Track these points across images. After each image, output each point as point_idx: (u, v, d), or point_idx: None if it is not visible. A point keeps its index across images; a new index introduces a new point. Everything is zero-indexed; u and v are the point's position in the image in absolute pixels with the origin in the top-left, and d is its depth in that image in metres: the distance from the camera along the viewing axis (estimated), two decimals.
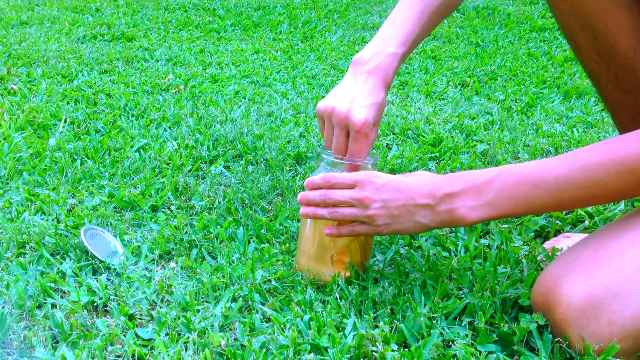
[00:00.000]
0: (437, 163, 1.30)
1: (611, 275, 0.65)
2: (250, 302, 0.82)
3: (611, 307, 0.64)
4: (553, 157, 0.71)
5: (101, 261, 0.93)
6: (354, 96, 0.82)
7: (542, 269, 0.90)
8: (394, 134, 1.48)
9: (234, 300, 0.83)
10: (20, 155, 1.32)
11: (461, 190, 0.72)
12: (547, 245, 0.96)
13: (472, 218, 0.72)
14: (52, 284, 0.87)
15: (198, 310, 0.81)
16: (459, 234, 1.00)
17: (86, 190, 1.18)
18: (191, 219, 1.07)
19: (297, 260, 0.88)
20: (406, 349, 0.72)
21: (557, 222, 1.04)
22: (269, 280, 0.86)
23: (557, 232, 1.03)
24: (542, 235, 1.03)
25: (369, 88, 0.83)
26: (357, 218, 0.76)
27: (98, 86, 1.86)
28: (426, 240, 0.99)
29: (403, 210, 0.74)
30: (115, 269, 0.91)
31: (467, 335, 0.74)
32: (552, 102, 1.69)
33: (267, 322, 0.79)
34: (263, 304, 0.82)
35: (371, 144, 0.84)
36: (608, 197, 0.68)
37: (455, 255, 0.93)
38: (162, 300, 0.84)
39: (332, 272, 0.84)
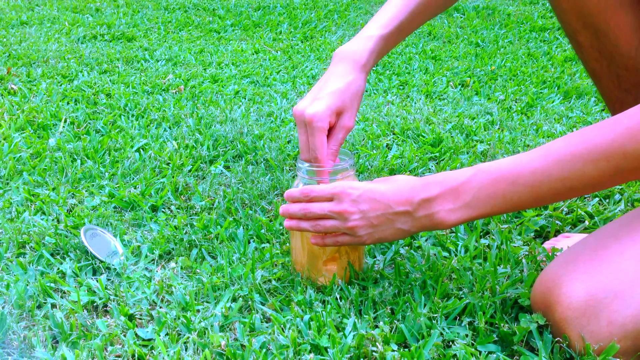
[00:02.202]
0: (437, 163, 1.30)
1: (611, 275, 0.65)
2: (250, 302, 0.82)
3: (611, 307, 0.64)
4: (529, 151, 0.70)
5: (101, 261, 0.93)
6: (318, 89, 0.82)
7: (542, 269, 0.90)
8: (394, 134, 1.48)
9: (234, 300, 0.83)
10: (20, 155, 1.32)
11: (438, 194, 0.71)
12: (547, 245, 0.96)
13: (452, 220, 0.71)
14: (52, 284, 0.87)
15: (198, 310, 0.81)
16: (459, 234, 1.00)
17: (86, 190, 1.18)
18: (191, 219, 1.07)
19: (292, 265, 0.88)
20: (406, 349, 0.72)
21: (557, 222, 1.04)
22: (269, 280, 0.86)
23: (557, 232, 1.03)
24: (542, 235, 1.03)
25: (335, 75, 0.83)
26: (339, 230, 0.76)
27: (98, 86, 1.86)
28: (426, 240, 0.99)
29: (382, 219, 0.73)
30: (115, 269, 0.91)
31: (467, 336, 0.74)
32: (552, 102, 1.69)
33: (267, 322, 0.79)
34: (263, 304, 0.82)
35: (338, 137, 0.82)
36: (587, 187, 0.67)
37: (455, 255, 0.93)
38: (162, 300, 0.84)
39: (326, 278, 0.84)
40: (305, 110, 0.80)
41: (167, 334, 0.76)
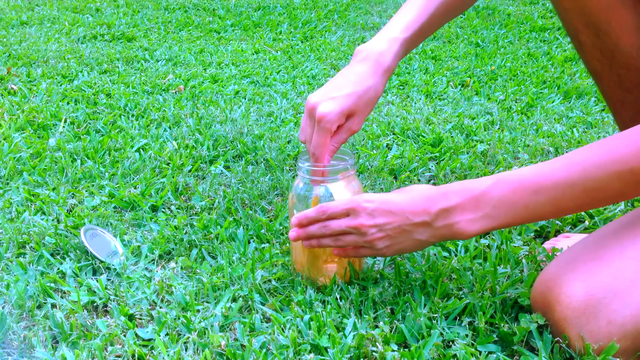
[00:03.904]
0: (437, 163, 1.30)
1: (610, 275, 0.65)
2: (250, 302, 0.82)
3: (610, 306, 0.64)
4: (549, 160, 0.69)
5: (101, 261, 0.93)
6: (333, 86, 0.82)
7: (542, 269, 0.90)
8: (394, 134, 1.48)
9: (234, 300, 0.83)
10: (20, 156, 1.32)
11: (458, 204, 0.70)
12: (547, 245, 0.96)
13: (472, 231, 0.70)
14: (52, 284, 0.87)
15: (198, 311, 0.81)
16: None
17: (86, 191, 1.18)
18: (191, 219, 1.07)
19: (292, 265, 0.88)
20: (406, 349, 0.72)
21: (557, 222, 1.04)
22: (269, 281, 0.86)
23: (557, 232, 1.03)
24: (542, 235, 1.03)
25: (357, 76, 0.82)
26: (359, 243, 0.76)
27: (98, 86, 1.86)
28: None
29: (400, 231, 0.72)
30: (115, 269, 0.91)
31: (467, 336, 0.74)
32: (552, 102, 1.69)
33: (267, 322, 0.79)
34: (263, 304, 0.82)
35: (341, 137, 0.82)
36: (609, 198, 0.66)
37: (455, 256, 0.93)
38: (162, 301, 0.84)
39: (326, 278, 0.84)
40: (318, 106, 0.79)
41: (167, 334, 0.76)
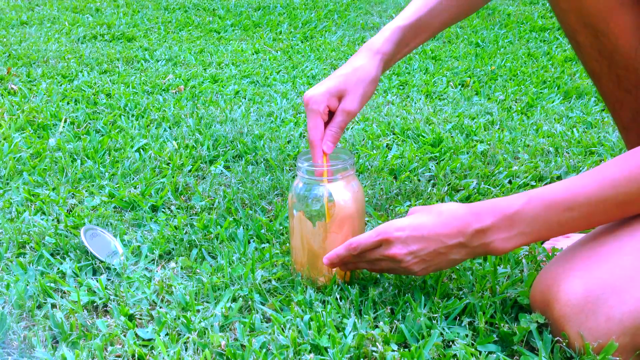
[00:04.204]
0: (437, 163, 1.30)
1: (609, 272, 0.65)
2: (250, 302, 0.82)
3: (608, 303, 0.64)
4: (579, 175, 0.69)
5: (101, 261, 0.93)
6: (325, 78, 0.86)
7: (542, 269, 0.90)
8: (394, 134, 1.48)
9: (234, 300, 0.83)
10: (20, 156, 1.32)
11: (492, 224, 0.70)
12: (547, 245, 0.96)
13: (507, 248, 0.71)
14: (52, 284, 0.87)
15: (198, 311, 0.81)
16: None
17: (86, 191, 1.18)
18: (191, 219, 1.07)
19: (292, 265, 0.88)
20: (406, 349, 0.72)
21: None
22: (269, 281, 0.86)
23: None
24: None
25: (347, 63, 0.86)
26: (395, 270, 0.77)
27: (98, 86, 1.86)
28: None
29: (435, 255, 0.73)
30: (115, 269, 0.91)
31: (467, 336, 0.74)
32: (552, 102, 1.69)
33: (267, 322, 0.79)
34: (263, 304, 0.82)
35: (338, 120, 0.84)
36: None
37: None
38: (162, 301, 0.84)
39: (326, 278, 0.84)
40: (306, 93, 0.83)
41: (167, 334, 0.76)
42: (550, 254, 0.90)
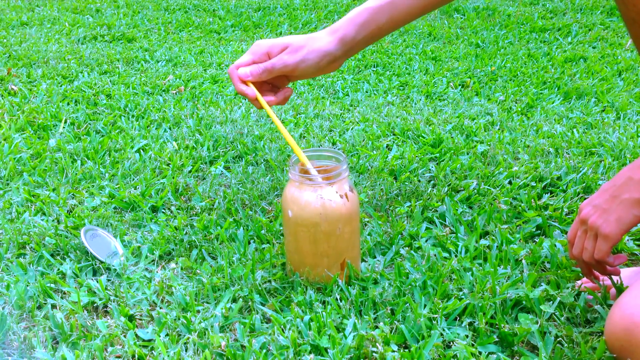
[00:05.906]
0: (437, 164, 1.30)
1: None
2: (250, 303, 0.82)
3: None
4: None
5: (101, 262, 0.93)
6: None
7: (545, 270, 0.90)
8: (394, 134, 1.48)
9: (234, 300, 0.83)
10: (21, 156, 1.32)
11: None
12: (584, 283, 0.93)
13: None
14: (52, 285, 0.87)
15: (198, 311, 0.81)
16: (459, 235, 1.00)
17: (86, 191, 1.18)
18: (191, 219, 1.07)
19: (288, 266, 0.88)
20: (406, 350, 0.72)
21: (554, 223, 1.04)
22: (269, 281, 0.86)
23: (556, 232, 1.03)
24: (542, 234, 1.03)
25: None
26: (591, 240, 0.77)
27: (98, 87, 1.86)
28: (426, 241, 0.99)
29: (610, 199, 0.75)
30: (115, 269, 0.91)
31: (467, 336, 0.74)
32: (552, 102, 1.69)
33: (267, 322, 0.79)
34: (263, 305, 0.82)
35: (270, 64, 0.84)
36: None
37: (456, 256, 0.93)
38: (162, 301, 0.84)
39: (326, 278, 0.84)
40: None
41: (167, 335, 0.76)
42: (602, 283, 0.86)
